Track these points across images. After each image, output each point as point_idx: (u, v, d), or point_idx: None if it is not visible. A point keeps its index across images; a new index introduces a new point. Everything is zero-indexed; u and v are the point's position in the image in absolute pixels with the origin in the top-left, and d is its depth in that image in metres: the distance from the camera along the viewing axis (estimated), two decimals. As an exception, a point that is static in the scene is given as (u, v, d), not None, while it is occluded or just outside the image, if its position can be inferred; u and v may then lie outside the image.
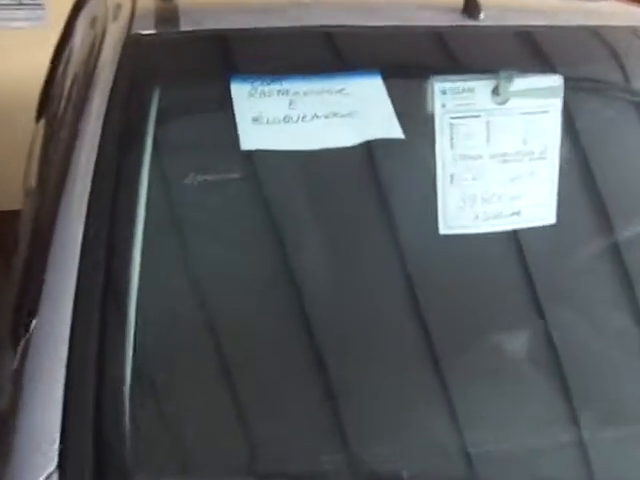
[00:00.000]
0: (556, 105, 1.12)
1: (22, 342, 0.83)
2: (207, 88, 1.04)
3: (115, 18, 1.21)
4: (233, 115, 0.94)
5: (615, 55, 1.20)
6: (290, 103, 0.94)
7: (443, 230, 1.07)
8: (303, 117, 0.94)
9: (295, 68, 1.01)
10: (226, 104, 0.94)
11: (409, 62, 1.12)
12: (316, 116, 0.94)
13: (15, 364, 0.83)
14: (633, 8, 1.39)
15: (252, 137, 0.93)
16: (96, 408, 0.78)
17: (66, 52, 2.19)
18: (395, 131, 0.99)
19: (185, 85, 1.03)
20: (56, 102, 1.66)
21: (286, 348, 0.96)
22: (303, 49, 1.08)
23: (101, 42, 1.11)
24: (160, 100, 0.97)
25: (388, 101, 0.99)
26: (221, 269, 0.96)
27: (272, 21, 1.10)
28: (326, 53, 1.08)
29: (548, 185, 1.12)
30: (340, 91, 0.97)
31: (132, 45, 1.04)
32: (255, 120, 0.93)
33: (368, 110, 0.98)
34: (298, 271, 0.98)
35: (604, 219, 1.16)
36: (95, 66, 1.05)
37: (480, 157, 1.09)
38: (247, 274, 0.97)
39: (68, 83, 1.52)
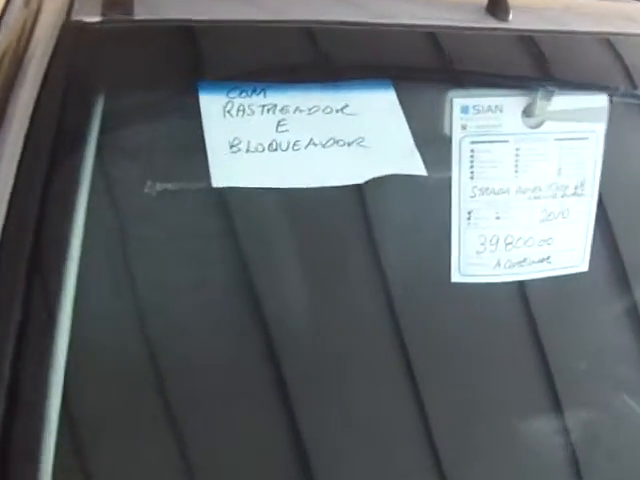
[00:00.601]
0: (598, 131, 0.92)
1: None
2: (166, 95, 0.80)
3: None
4: (199, 140, 0.72)
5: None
6: (278, 124, 0.72)
7: (456, 278, 0.88)
8: (295, 144, 0.72)
9: (283, 75, 0.79)
10: (192, 119, 0.73)
11: (421, 71, 0.91)
12: (312, 143, 0.72)
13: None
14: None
15: (227, 170, 0.70)
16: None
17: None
18: (416, 166, 0.78)
19: (138, 91, 0.79)
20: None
21: (243, 392, 0.77)
22: (293, 50, 0.85)
23: (32, 27, 0.87)
24: (104, 109, 0.74)
25: (405, 124, 0.78)
26: (171, 294, 0.76)
27: (253, 12, 0.86)
28: (322, 57, 0.85)
29: (583, 226, 0.93)
30: (342, 109, 0.75)
31: (70, 36, 0.79)
32: (232, 147, 0.70)
33: (378, 137, 0.76)
34: (270, 305, 0.78)
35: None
36: (22, 60, 0.81)
37: (506, 191, 0.89)
38: (204, 301, 0.77)
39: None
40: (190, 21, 0.83)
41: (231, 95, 0.73)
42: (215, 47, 0.82)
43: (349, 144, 0.75)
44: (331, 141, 0.74)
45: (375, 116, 0.78)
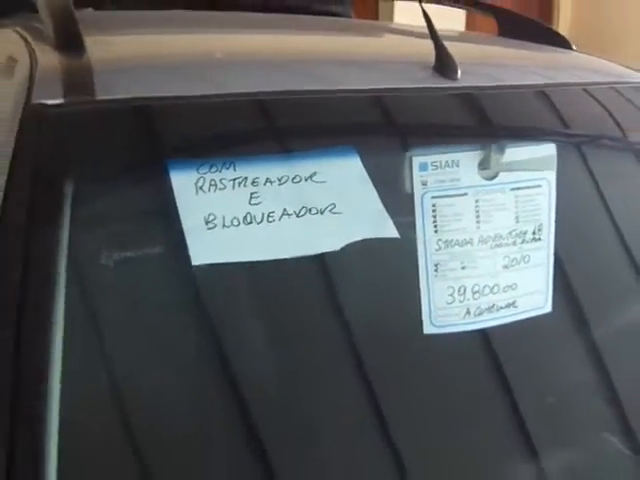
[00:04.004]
0: (549, 178, 0.97)
1: None
2: (137, 175, 0.80)
3: (8, 75, 0.98)
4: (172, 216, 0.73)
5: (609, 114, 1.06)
6: (251, 196, 0.74)
7: (428, 329, 0.90)
8: (270, 215, 0.74)
9: (250, 148, 0.81)
10: (165, 198, 0.74)
11: (379, 133, 0.94)
12: (286, 213, 0.74)
13: None
14: (605, 62, 1.28)
15: (205, 247, 0.71)
16: None
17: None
18: (388, 229, 0.81)
19: (108, 173, 0.78)
20: None
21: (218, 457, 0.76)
22: (256, 122, 0.86)
23: None
24: (76, 194, 0.73)
25: (372, 187, 0.80)
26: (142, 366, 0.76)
27: (209, 88, 0.88)
28: (286, 127, 0.87)
29: (544, 269, 0.97)
30: (311, 177, 0.77)
31: (34, 120, 0.78)
32: (207, 223, 0.71)
33: (349, 203, 0.79)
34: (238, 371, 0.78)
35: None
36: None
37: (469, 242, 0.92)
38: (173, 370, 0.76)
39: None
40: (152, 99, 0.83)
41: (201, 171, 0.74)
42: (179, 124, 0.83)
43: (322, 212, 0.77)
44: (304, 209, 0.76)
45: (343, 182, 0.81)
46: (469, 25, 4.35)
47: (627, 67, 1.30)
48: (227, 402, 0.77)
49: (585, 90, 1.11)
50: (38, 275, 0.70)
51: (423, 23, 1.06)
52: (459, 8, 1.79)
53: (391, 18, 3.95)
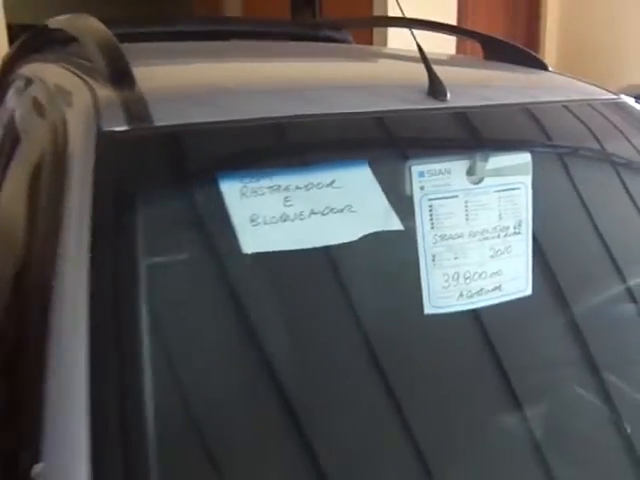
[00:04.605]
0: (526, 182, 1.15)
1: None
2: (196, 188, 0.99)
3: (69, 106, 1.15)
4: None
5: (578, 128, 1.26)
6: (285, 200, 0.93)
7: (428, 310, 1.08)
8: (300, 214, 0.93)
9: (281, 162, 1.00)
10: (217, 204, 0.92)
11: (385, 147, 1.13)
12: (313, 212, 0.93)
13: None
14: (578, 82, 1.47)
15: (252, 239, 0.91)
16: None
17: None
18: (394, 223, 0.99)
19: (176, 187, 0.99)
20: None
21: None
22: (285, 141, 1.06)
23: (62, 136, 1.03)
24: (150, 203, 0.92)
25: (381, 192, 0.99)
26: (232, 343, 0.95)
27: (239, 113, 1.07)
28: (311, 144, 1.07)
29: (524, 258, 1.15)
30: (331, 184, 0.96)
31: (108, 145, 0.96)
32: (252, 221, 0.91)
33: (363, 204, 0.98)
34: (280, 345, 0.97)
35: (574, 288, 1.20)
36: (60, 166, 0.98)
37: (460, 236, 1.11)
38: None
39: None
40: (200, 124, 1.02)
41: (245, 181, 0.93)
42: (225, 144, 1.03)
43: (341, 211, 0.96)
44: (327, 209, 0.95)
45: (356, 187, 1.00)
46: (459, 45, 4.50)
47: (595, 85, 1.49)
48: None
49: (556, 107, 1.31)
50: (128, 272, 0.88)
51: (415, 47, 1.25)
52: (449, 34, 1.99)
53: (385, 42, 4.11)
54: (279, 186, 0.94)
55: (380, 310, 1.06)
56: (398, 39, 3.99)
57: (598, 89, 1.46)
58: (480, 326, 1.13)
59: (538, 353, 1.14)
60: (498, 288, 1.13)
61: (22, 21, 3.90)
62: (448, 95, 1.19)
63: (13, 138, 1.46)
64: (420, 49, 1.23)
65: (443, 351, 1.09)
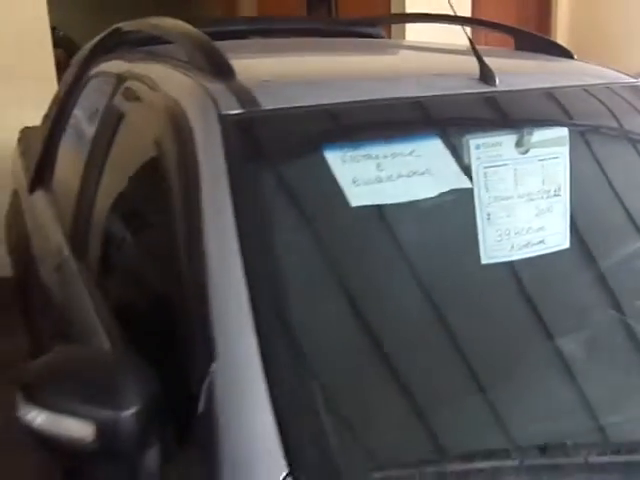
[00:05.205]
0: (564, 152, 1.37)
1: (205, 385, 0.98)
2: (307, 157, 1.22)
3: (181, 97, 1.33)
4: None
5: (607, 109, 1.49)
6: (377, 166, 1.16)
7: (484, 260, 1.30)
8: (390, 177, 1.16)
9: (374, 135, 1.23)
10: (324, 169, 1.15)
11: (450, 124, 1.36)
12: (400, 175, 1.16)
13: (201, 407, 0.98)
14: (601, 68, 1.70)
15: (357, 195, 1.14)
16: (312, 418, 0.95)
17: (70, 119, 2.27)
18: (465, 182, 1.22)
19: (288, 155, 1.22)
20: (85, 178, 1.76)
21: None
22: (374, 118, 1.29)
23: (182, 123, 1.23)
24: (276, 171, 1.15)
25: (451, 158, 1.22)
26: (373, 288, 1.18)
27: (334, 96, 1.30)
28: (392, 121, 1.31)
29: (563, 217, 1.37)
30: (411, 153, 1.19)
31: (229, 126, 1.19)
32: (354, 182, 1.14)
33: (439, 167, 1.21)
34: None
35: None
36: (187, 147, 1.19)
37: (510, 197, 1.33)
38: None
39: (103, 161, 1.65)
40: (303, 107, 1.26)
41: (344, 151, 1.16)
42: (326, 121, 1.26)
43: (422, 174, 1.19)
44: (411, 173, 1.18)
45: (432, 156, 1.23)
46: (473, 37, 4.67)
47: (617, 70, 1.70)
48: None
49: (585, 90, 1.53)
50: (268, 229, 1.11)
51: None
52: (483, 28, 2.21)
53: (403, 36, 4.31)
54: (370, 155, 1.16)
55: (446, 261, 1.29)
56: (414, 33, 4.21)
57: (620, 74, 1.68)
58: (527, 274, 1.34)
59: (574, 294, 1.36)
60: (542, 242, 1.34)
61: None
62: (497, 80, 1.41)
63: (112, 130, 1.65)
64: (471, 42, 1.45)
65: (496, 294, 1.31)
